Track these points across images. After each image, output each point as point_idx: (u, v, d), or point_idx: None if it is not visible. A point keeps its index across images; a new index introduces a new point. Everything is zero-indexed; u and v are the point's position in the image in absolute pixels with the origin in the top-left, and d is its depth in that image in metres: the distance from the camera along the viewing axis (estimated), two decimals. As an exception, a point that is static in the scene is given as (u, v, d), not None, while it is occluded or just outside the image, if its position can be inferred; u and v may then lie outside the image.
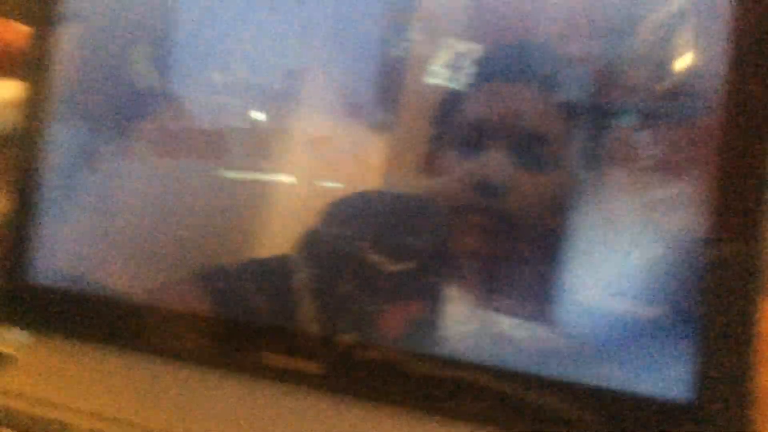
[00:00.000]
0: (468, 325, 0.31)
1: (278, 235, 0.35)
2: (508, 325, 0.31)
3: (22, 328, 0.40)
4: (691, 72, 0.28)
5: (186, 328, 0.37)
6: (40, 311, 0.41)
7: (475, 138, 0.30)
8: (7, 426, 0.35)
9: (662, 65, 0.28)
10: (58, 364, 0.38)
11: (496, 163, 0.30)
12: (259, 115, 0.36)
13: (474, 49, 0.31)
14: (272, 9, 0.35)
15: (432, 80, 0.32)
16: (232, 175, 0.36)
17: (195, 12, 0.36)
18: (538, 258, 0.30)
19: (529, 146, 0.30)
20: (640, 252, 0.29)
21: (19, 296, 0.41)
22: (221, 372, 0.36)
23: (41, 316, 0.41)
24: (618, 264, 0.29)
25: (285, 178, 0.35)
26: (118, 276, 0.39)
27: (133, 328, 0.38)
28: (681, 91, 0.28)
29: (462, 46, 0.31)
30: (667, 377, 0.28)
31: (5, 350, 0.39)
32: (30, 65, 0.41)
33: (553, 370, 0.30)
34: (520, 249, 0.30)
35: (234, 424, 0.33)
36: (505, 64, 0.30)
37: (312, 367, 0.34)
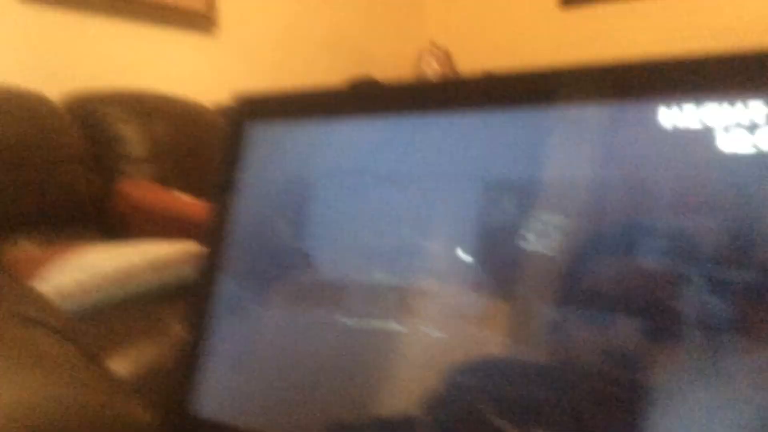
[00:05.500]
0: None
1: (399, 388, 0.37)
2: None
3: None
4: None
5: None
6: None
7: (601, 306, 0.32)
8: None
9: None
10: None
11: (624, 332, 0.31)
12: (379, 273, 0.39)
13: (588, 223, 0.33)
14: (396, 189, 0.39)
15: (547, 251, 0.34)
16: (351, 322, 0.39)
17: (332, 185, 0.41)
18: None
19: (654, 315, 0.31)
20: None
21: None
22: None
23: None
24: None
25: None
26: (252, 415, 0.42)
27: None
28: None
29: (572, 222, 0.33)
30: None
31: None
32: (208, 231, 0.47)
33: None
34: (648, 419, 0.30)
35: None
36: (624, 238, 0.31)
37: None
